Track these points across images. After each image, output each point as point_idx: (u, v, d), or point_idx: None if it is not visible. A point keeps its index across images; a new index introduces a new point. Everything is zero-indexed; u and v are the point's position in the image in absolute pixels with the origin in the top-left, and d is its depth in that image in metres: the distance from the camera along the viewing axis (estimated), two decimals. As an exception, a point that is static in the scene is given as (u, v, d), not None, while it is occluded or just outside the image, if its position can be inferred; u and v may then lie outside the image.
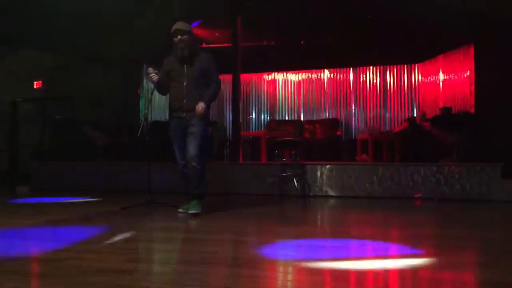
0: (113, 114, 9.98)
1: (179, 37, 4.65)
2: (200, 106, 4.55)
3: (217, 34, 10.46)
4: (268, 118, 11.86)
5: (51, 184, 7.98)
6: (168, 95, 4.94)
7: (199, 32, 10.39)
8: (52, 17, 8.54)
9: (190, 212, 4.63)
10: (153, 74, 4.74)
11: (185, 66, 4.69)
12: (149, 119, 10.19)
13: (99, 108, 9.78)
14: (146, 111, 5.58)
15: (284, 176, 6.93)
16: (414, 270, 2.51)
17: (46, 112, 10.33)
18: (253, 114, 12.06)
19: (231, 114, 10.78)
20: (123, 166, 7.86)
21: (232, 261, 2.82)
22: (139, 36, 9.93)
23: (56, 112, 9.98)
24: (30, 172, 8.32)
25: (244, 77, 11.00)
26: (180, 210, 4.85)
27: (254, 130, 11.79)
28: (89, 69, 10.49)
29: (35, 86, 10.29)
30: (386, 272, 2.49)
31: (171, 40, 4.72)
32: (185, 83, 4.65)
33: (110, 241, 3.35)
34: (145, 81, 10.65)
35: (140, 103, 10.47)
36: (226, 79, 12.04)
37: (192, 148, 4.55)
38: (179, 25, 4.65)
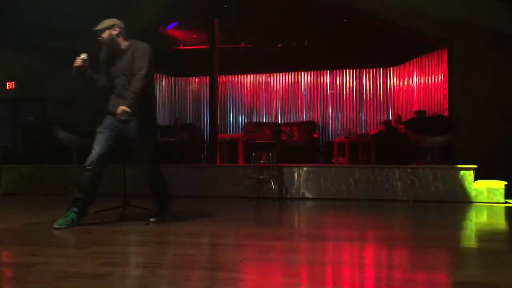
0: (87, 116, 9.80)
1: (98, 38, 4.27)
2: (120, 108, 4.02)
3: (194, 36, 10.41)
4: (246, 120, 11.86)
5: (22, 186, 7.79)
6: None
7: (177, 33, 10.32)
8: (26, 17, 8.38)
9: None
10: (78, 60, 4.09)
11: (114, 64, 4.25)
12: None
13: (73, 109, 9.60)
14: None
15: (261, 178, 6.93)
16: (389, 270, 2.53)
17: (18, 114, 10.11)
18: (231, 117, 12.05)
19: (208, 116, 10.76)
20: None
21: (209, 264, 2.79)
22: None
23: (28, 114, 9.78)
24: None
25: (221, 79, 10.97)
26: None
27: (231, 133, 11.77)
28: (63, 70, 10.27)
29: (7, 87, 10.07)
30: (361, 272, 2.50)
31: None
32: (117, 83, 4.21)
33: (83, 245, 3.29)
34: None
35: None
36: (203, 81, 12.04)
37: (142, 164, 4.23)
38: (98, 25, 4.25)
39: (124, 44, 4.28)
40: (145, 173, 4.28)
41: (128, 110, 4.00)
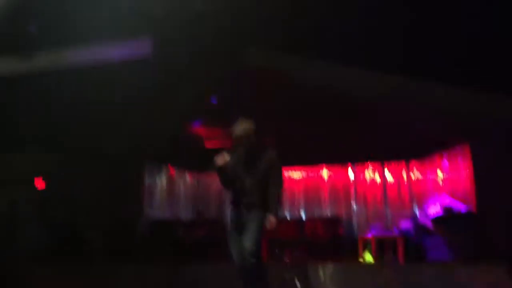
0: (112, 213, 9.88)
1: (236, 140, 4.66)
2: (271, 220, 4.44)
3: (218, 133, 10.70)
4: (269, 216, 11.76)
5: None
6: None
7: (200, 130, 10.64)
8: (53, 115, 8.75)
9: None
10: (221, 159, 4.52)
11: (246, 165, 4.62)
12: (149, 218, 10.08)
13: (99, 207, 9.72)
14: (146, 209, 5.55)
15: (285, 275, 6.72)
16: None
17: (45, 213, 10.24)
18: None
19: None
20: (123, 268, 7.63)
21: None
22: (141, 134, 10.11)
23: (55, 212, 9.91)
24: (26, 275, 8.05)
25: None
26: None
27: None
28: (90, 168, 10.52)
29: (36, 186, 10.30)
30: None
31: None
32: (245, 183, 4.57)
33: None
34: (146, 178, 10.69)
35: (141, 201, 10.45)
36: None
37: (248, 241, 4.39)
38: (236, 131, 4.62)
39: (257, 147, 4.65)
40: (247, 260, 4.36)
41: (276, 220, 4.44)
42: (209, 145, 11.13)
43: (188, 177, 12.19)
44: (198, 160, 11.64)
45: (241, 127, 4.62)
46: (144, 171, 10.71)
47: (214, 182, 12.46)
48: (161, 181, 11.18)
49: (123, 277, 7.34)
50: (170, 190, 11.45)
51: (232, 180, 4.66)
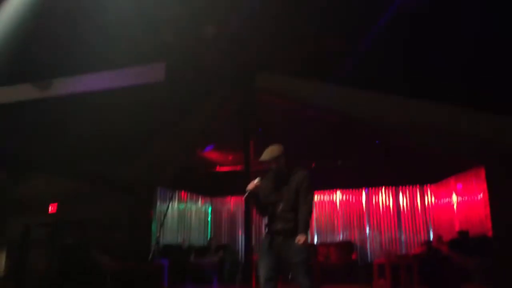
0: (124, 238, 9.87)
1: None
2: (299, 239, 4.26)
3: (230, 158, 10.72)
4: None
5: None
6: None
7: (213, 155, 10.67)
8: (67, 142, 8.85)
9: None
10: (251, 184, 4.40)
11: (277, 189, 4.50)
12: (161, 243, 10.05)
13: (110, 232, 9.72)
14: (158, 234, 5.52)
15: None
16: None
17: (57, 237, 10.27)
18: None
19: (243, 237, 10.63)
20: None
21: None
22: (153, 159, 10.18)
23: (67, 237, 9.93)
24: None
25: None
26: None
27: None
28: (101, 193, 10.57)
29: (49, 211, 10.37)
30: None
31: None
32: (279, 207, 4.44)
33: None
34: (158, 203, 10.71)
35: (152, 226, 10.43)
36: (239, 201, 12.10)
37: (303, 278, 4.22)
38: (262, 156, 4.50)
39: (287, 170, 4.49)
40: None
41: (306, 240, 4.23)
42: (221, 169, 11.17)
43: (200, 202, 12.17)
44: (210, 184, 11.69)
45: (269, 151, 4.49)
46: (156, 196, 10.72)
47: (225, 207, 12.43)
48: (173, 206, 11.17)
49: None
50: (182, 215, 11.43)
51: (264, 206, 4.53)
